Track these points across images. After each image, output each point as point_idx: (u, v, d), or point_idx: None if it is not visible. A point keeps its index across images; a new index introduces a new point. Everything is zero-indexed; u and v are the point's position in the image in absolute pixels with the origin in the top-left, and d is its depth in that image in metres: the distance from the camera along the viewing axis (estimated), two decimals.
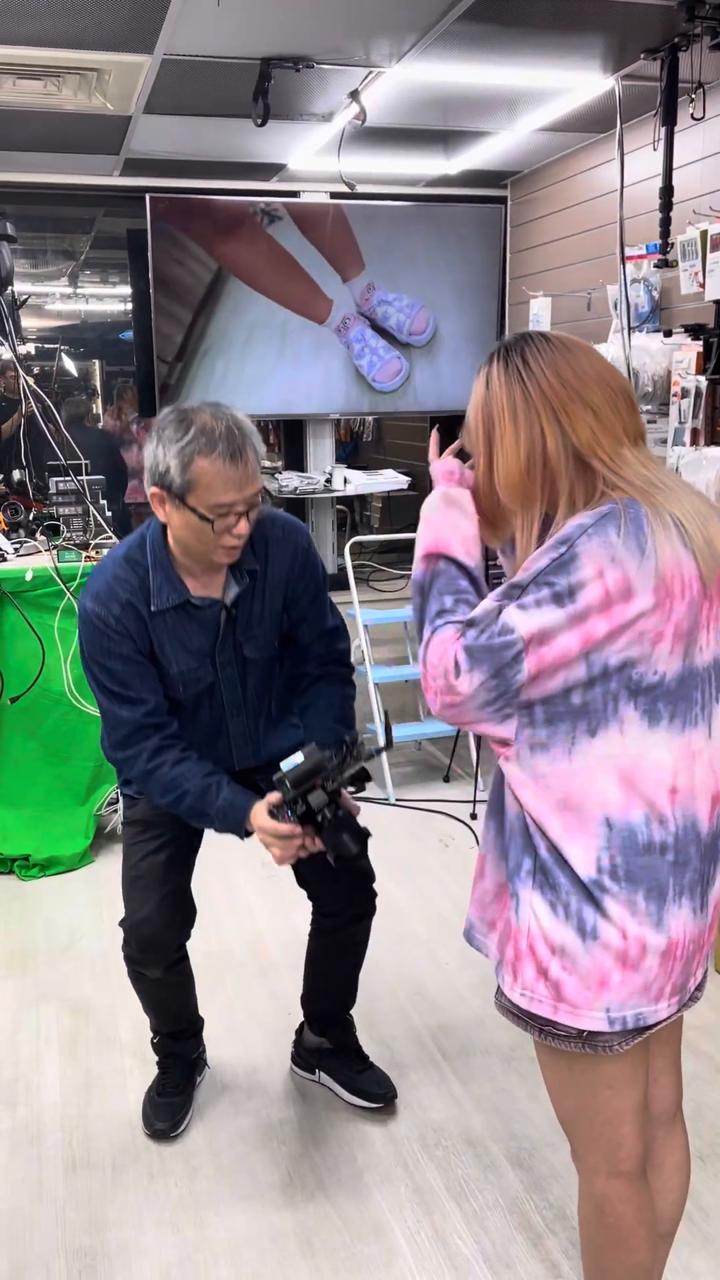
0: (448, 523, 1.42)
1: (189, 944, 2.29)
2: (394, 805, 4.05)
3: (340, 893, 2.25)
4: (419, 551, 1.44)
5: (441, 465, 1.49)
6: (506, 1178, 2.17)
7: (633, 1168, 1.48)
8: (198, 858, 2.27)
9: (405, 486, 4.74)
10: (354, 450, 6.63)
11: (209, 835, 2.22)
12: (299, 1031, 2.51)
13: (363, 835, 2.01)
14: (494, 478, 1.39)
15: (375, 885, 2.27)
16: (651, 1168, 1.61)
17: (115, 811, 3.60)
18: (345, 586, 4.34)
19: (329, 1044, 2.42)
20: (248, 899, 3.32)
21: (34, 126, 3.76)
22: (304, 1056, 2.49)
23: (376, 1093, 2.36)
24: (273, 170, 4.52)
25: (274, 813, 1.89)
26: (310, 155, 4.19)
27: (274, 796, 1.90)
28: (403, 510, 5.21)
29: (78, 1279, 1.94)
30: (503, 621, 1.29)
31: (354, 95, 3.30)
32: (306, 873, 2.23)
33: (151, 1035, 2.39)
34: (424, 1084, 2.46)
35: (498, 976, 1.47)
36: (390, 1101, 2.36)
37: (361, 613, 4.26)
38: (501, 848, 1.46)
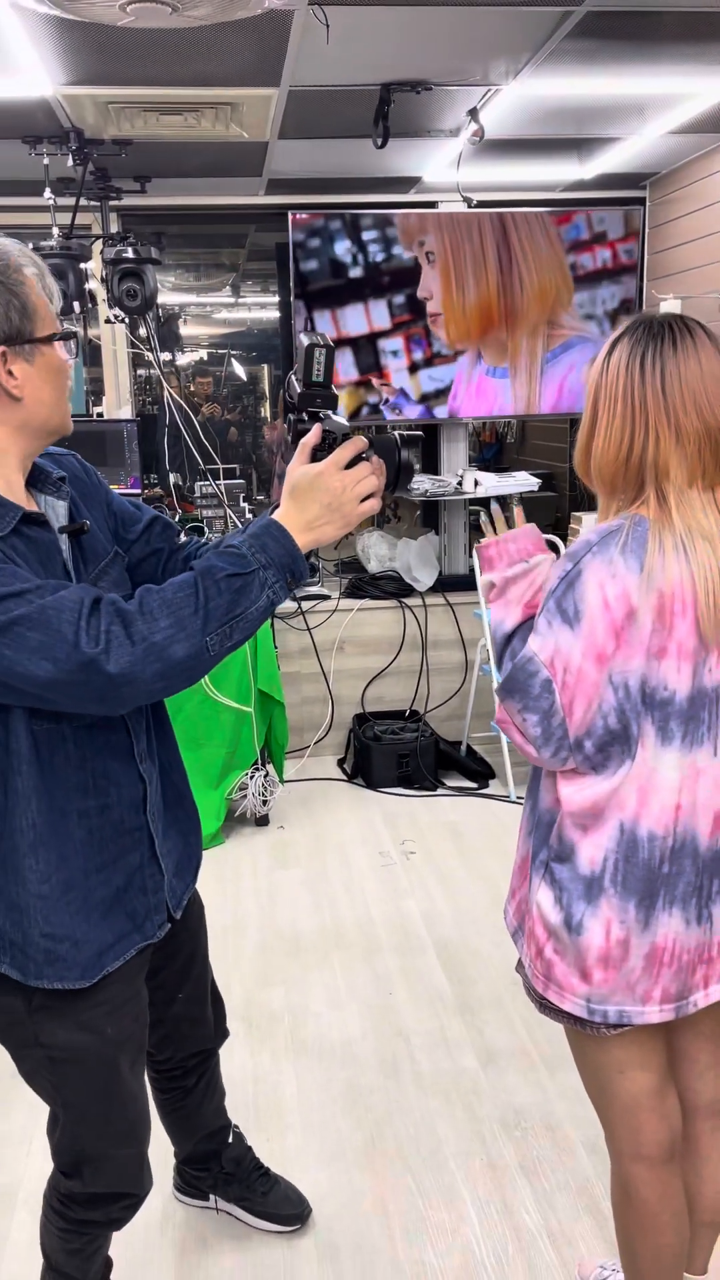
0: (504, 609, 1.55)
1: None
2: (514, 803, 4.14)
3: (186, 1042, 1.90)
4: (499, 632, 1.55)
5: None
6: (580, 1161, 2.26)
7: (655, 1153, 1.55)
8: None
9: (536, 488, 4.79)
10: (498, 452, 6.66)
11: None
12: (180, 1161, 2.14)
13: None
14: (591, 449, 1.45)
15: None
16: (698, 1160, 1.67)
17: (245, 797, 3.83)
18: (474, 587, 4.44)
19: (225, 1169, 2.11)
20: (363, 883, 3.49)
21: (185, 155, 4.03)
22: (189, 1182, 2.15)
23: (288, 1214, 2.09)
24: (409, 183, 4.65)
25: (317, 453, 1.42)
26: (443, 167, 4.30)
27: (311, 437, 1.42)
28: (538, 510, 5.25)
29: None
30: (526, 648, 1.42)
31: (472, 114, 3.39)
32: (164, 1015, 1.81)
33: None
34: (511, 1069, 2.56)
35: (517, 946, 1.58)
36: (305, 1220, 2.10)
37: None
38: (528, 828, 1.57)
